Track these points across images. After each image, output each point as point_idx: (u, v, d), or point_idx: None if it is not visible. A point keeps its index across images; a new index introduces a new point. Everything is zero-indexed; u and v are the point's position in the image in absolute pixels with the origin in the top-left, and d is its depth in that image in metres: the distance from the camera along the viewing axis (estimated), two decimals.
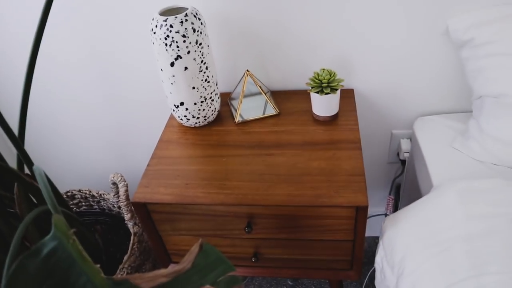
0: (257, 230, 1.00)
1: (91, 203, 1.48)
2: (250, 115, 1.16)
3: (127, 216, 1.29)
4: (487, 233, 0.81)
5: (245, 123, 1.15)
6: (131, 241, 1.24)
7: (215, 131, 1.13)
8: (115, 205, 1.42)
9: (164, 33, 0.94)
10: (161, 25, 0.94)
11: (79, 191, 1.46)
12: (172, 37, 0.94)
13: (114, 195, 1.34)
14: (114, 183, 1.29)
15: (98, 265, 0.55)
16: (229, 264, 0.64)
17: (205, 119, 1.13)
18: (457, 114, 1.24)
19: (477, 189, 0.90)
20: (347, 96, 1.20)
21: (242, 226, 0.99)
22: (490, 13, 1.03)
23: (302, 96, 1.23)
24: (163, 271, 0.60)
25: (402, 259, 0.88)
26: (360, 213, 0.90)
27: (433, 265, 0.81)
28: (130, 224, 1.30)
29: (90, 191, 1.44)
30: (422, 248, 0.85)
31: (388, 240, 0.95)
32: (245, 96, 1.14)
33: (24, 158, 0.98)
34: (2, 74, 1.34)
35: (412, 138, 1.28)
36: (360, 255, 1.01)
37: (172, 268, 0.61)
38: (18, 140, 0.95)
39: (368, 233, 1.61)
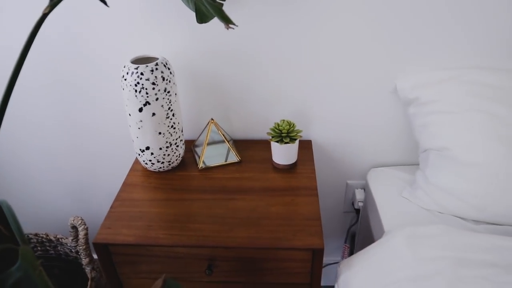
0: (217, 273, 1.02)
1: (47, 247, 1.45)
2: (213, 162, 1.20)
3: (85, 261, 1.27)
4: (433, 274, 0.87)
5: (208, 169, 1.19)
6: (88, 287, 1.22)
7: (178, 176, 1.17)
8: (72, 250, 1.40)
9: (135, 80, 1.00)
10: (132, 72, 1.00)
11: (36, 235, 1.43)
12: (142, 84, 1.00)
13: (72, 239, 1.33)
14: (74, 227, 1.28)
15: None
16: None
17: (169, 164, 1.17)
18: (407, 166, 1.34)
19: (423, 234, 0.97)
20: (305, 146, 1.28)
21: (203, 269, 1.01)
22: (432, 75, 1.15)
23: (263, 145, 1.29)
24: None
25: None
26: (317, 256, 0.94)
27: None
28: (88, 269, 1.28)
29: (47, 235, 1.42)
30: None
31: (344, 283, 1.00)
32: (208, 144, 1.19)
33: None
34: None
35: (365, 188, 1.36)
36: None
37: None
38: None
39: (326, 282, 1.64)
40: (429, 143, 1.13)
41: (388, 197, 1.20)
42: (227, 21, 0.78)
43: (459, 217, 1.09)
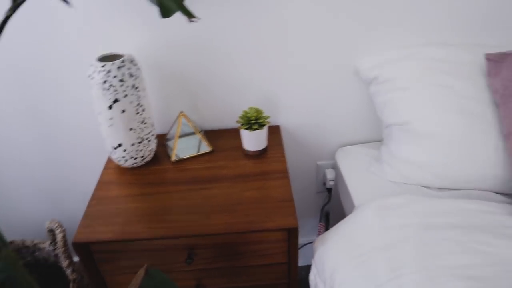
0: (197, 261, 1.05)
1: (24, 255, 1.44)
2: (185, 154, 1.23)
3: (65, 263, 1.28)
4: (401, 241, 0.92)
5: (181, 161, 1.22)
6: None
7: (152, 170, 1.19)
8: (51, 254, 1.40)
9: (102, 78, 1.01)
10: (99, 71, 1.01)
11: (11, 242, 1.42)
12: (110, 82, 1.01)
13: (50, 243, 1.33)
14: (51, 230, 1.28)
15: None
16: (174, 284, 0.69)
17: (142, 159, 1.18)
18: (373, 142, 1.39)
19: (390, 205, 1.02)
20: (274, 132, 1.32)
21: (183, 259, 1.04)
22: (389, 54, 1.21)
23: (234, 133, 1.32)
24: None
25: (332, 273, 0.97)
26: (292, 235, 0.99)
27: (358, 275, 0.91)
28: (68, 271, 1.28)
29: (23, 242, 1.41)
30: (348, 261, 0.95)
31: (319, 258, 1.04)
32: (180, 136, 1.22)
33: None
34: None
35: (335, 168, 1.41)
36: (295, 276, 1.09)
37: None
38: None
39: (305, 261, 1.70)
40: (391, 119, 1.19)
41: (357, 174, 1.25)
42: (189, 15, 0.80)
43: (424, 186, 1.15)
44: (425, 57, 1.19)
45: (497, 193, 1.10)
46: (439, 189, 1.14)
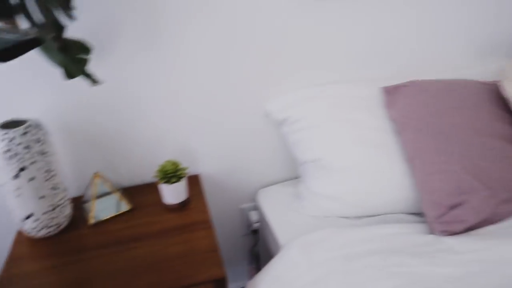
0: None
1: None
2: (104, 215, 1.18)
3: None
4: (327, 274, 0.95)
5: (100, 223, 1.17)
6: None
7: (70, 237, 1.13)
8: None
9: (5, 146, 0.96)
10: (2, 139, 0.96)
11: None
12: (15, 150, 0.96)
13: None
14: None
15: None
16: None
17: (58, 227, 1.12)
18: (292, 180, 1.44)
19: (313, 241, 1.06)
20: (194, 181, 1.32)
21: None
22: (296, 95, 1.29)
23: (154, 188, 1.30)
24: None
25: None
26: (220, 286, 0.98)
27: None
28: None
29: None
30: None
31: None
32: (97, 197, 1.18)
33: None
34: None
35: (258, 209, 1.43)
36: None
37: None
38: None
39: None
40: (305, 156, 1.25)
41: (279, 213, 1.28)
42: (92, 80, 0.80)
43: (343, 217, 1.20)
44: (329, 95, 1.27)
45: (409, 213, 1.19)
46: (358, 217, 1.20)
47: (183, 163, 1.34)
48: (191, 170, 1.36)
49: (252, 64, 1.23)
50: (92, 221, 1.16)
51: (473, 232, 1.06)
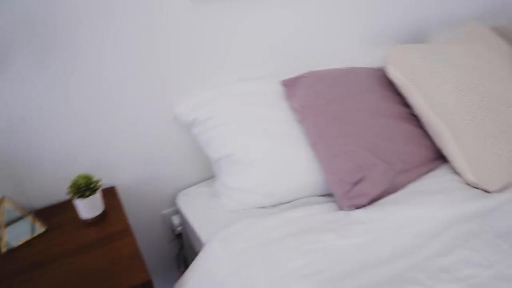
0: None
1: None
2: (17, 241, 1.14)
3: None
4: (248, 262, 1.01)
5: (14, 250, 1.12)
6: None
7: None
8: None
9: None
10: None
11: None
12: None
13: None
14: None
15: None
16: None
17: None
18: (209, 180, 1.48)
19: (232, 233, 1.11)
20: (111, 193, 1.31)
21: None
22: (204, 96, 1.33)
23: (69, 205, 1.26)
24: None
25: None
26: None
27: None
28: None
29: None
30: None
31: None
32: (7, 224, 1.13)
33: None
34: None
35: (179, 212, 1.45)
36: None
37: None
38: None
39: None
40: (217, 153, 1.29)
41: (199, 213, 1.31)
42: None
43: (260, 208, 1.26)
44: (235, 93, 1.33)
45: (320, 195, 1.27)
46: (273, 206, 1.26)
47: (100, 176, 1.32)
48: (108, 183, 1.34)
49: (156, 70, 1.25)
50: (3, 249, 1.11)
51: (376, 203, 1.17)
